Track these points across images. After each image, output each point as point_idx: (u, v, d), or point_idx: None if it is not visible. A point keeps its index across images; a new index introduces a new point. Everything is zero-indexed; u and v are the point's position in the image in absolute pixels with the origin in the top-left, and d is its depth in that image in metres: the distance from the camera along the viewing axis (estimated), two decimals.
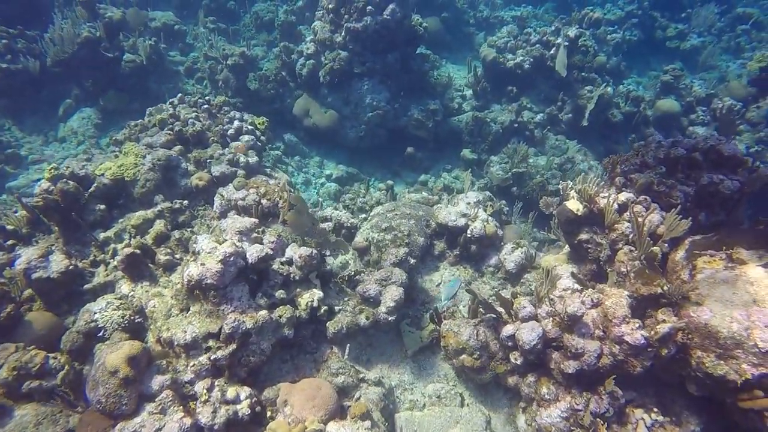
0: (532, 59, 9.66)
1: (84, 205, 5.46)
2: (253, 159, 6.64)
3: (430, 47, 11.77)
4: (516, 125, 9.36)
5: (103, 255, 5.25)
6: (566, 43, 9.39)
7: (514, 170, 8.19)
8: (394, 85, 9.11)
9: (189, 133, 6.50)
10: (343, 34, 8.61)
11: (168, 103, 7.01)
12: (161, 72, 9.65)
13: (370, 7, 8.37)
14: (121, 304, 4.56)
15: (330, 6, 8.68)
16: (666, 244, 4.56)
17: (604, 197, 4.98)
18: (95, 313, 4.48)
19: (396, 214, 6.16)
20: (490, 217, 6.07)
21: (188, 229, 5.74)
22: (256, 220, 5.12)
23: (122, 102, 8.94)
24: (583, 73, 9.83)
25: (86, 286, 4.94)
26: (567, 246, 5.67)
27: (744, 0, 14.68)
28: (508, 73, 9.90)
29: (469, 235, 5.85)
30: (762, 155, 9.45)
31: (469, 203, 6.22)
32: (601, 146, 9.92)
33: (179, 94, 7.11)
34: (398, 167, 9.58)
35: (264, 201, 5.43)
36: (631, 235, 4.64)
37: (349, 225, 6.37)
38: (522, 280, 5.81)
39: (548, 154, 9.32)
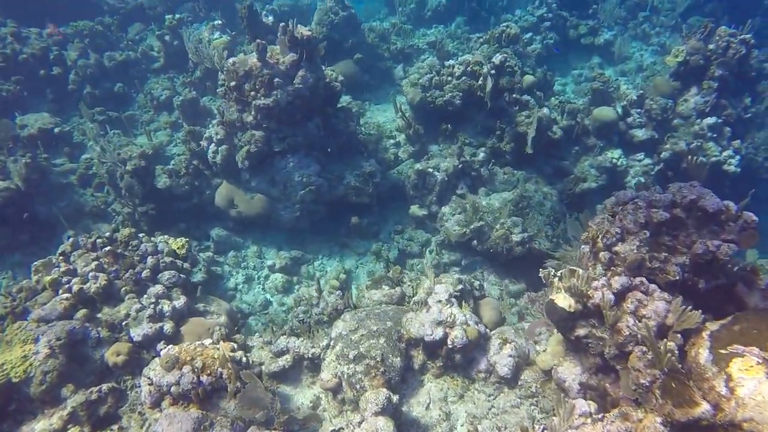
0: (461, 93, 9.05)
1: None
2: (180, 302, 5.52)
3: (350, 91, 10.97)
4: (461, 166, 8.71)
5: None
6: (492, 72, 8.85)
7: (473, 227, 7.53)
8: (322, 155, 8.19)
9: (93, 291, 5.28)
10: (253, 113, 7.58)
11: (58, 254, 5.70)
12: (47, 190, 8.17)
13: (277, 79, 7.39)
14: None
15: (232, 84, 7.62)
16: (679, 336, 3.99)
17: (596, 289, 4.35)
18: None
19: (362, 335, 5.27)
20: (468, 315, 5.32)
21: (115, 427, 4.57)
22: (199, 415, 4.07)
23: (1, 239, 7.45)
24: (514, 95, 9.35)
25: None
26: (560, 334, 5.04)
27: None
28: (440, 111, 9.24)
29: (450, 347, 5.07)
30: (702, 149, 9.39)
31: (440, 301, 5.43)
32: (548, 167, 9.52)
33: (70, 239, 5.82)
34: (345, 238, 8.67)
35: (204, 377, 4.36)
36: (639, 335, 4.03)
37: (310, 356, 5.42)
38: (520, 382, 5.12)
39: (499, 190, 8.77)
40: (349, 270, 8.31)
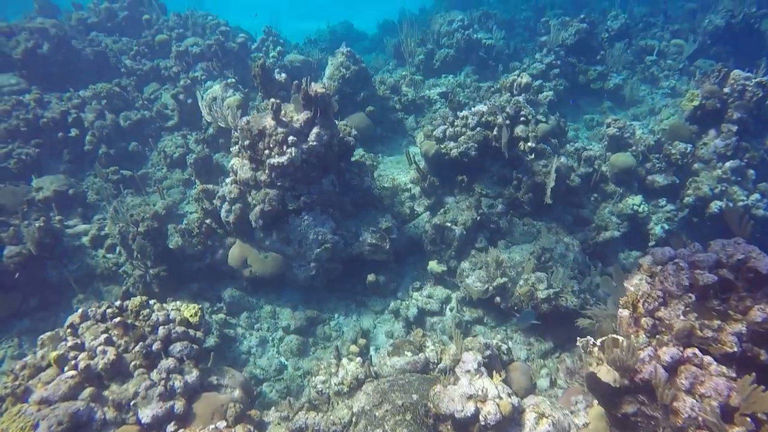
0: (476, 144, 8.93)
1: None
2: (192, 376, 5.20)
3: (362, 143, 10.94)
4: (479, 219, 8.48)
5: None
6: (507, 122, 8.78)
7: (495, 284, 7.21)
8: (337, 212, 8.02)
9: (101, 367, 5.00)
10: (267, 171, 7.48)
11: (66, 326, 5.46)
12: (60, 253, 8.03)
13: (291, 137, 7.33)
14: None
15: (246, 143, 7.57)
16: (749, 419, 3.58)
17: (644, 362, 3.99)
18: None
19: (386, 411, 4.89)
20: (501, 387, 4.93)
21: None
22: None
23: (10, 306, 7.25)
24: (529, 143, 9.23)
25: None
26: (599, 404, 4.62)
27: (641, 33, 15.25)
28: (455, 162, 9.11)
29: (483, 424, 4.67)
30: (727, 193, 9.11)
31: (468, 371, 5.07)
32: (568, 215, 9.26)
33: (79, 310, 5.59)
34: (362, 296, 8.36)
35: None
36: (700, 418, 3.63)
37: None
38: None
39: (519, 242, 8.49)
40: (367, 330, 7.95)
